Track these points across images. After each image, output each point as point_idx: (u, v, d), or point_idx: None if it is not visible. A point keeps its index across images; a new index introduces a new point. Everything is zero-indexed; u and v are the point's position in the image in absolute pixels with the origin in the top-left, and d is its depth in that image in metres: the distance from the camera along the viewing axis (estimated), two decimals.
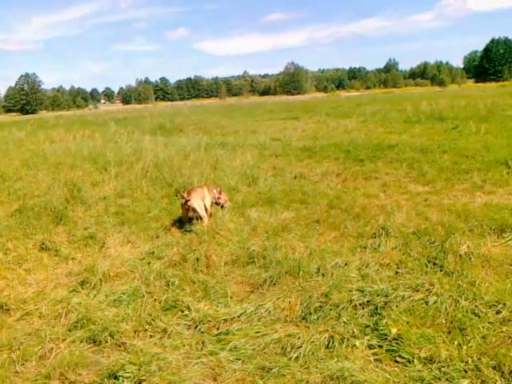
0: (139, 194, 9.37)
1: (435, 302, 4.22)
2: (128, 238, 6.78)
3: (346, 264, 5.22)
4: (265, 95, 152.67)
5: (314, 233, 6.52)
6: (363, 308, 4.25)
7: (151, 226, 7.37)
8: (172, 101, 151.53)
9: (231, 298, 4.73)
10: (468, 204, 7.55)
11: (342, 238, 6.26)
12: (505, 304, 4.11)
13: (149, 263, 5.72)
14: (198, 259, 5.64)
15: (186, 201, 6.99)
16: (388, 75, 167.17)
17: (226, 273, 5.37)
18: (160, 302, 4.68)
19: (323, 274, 5.03)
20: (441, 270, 4.96)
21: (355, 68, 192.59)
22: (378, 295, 4.39)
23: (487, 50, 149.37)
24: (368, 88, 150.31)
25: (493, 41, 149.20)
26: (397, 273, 5.02)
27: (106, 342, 4.02)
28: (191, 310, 4.46)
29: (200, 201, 7.07)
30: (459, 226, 6.30)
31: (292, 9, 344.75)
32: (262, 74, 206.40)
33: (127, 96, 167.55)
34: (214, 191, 7.66)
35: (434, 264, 5.14)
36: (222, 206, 7.67)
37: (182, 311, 4.50)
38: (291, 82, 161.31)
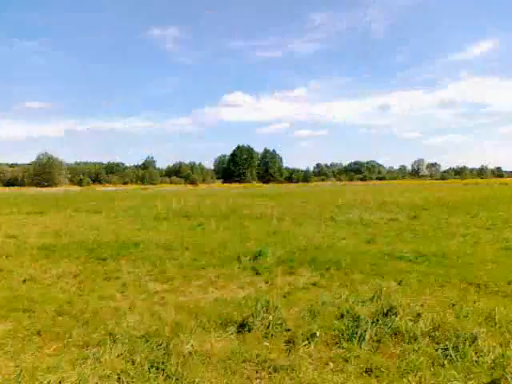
0: None
1: None
2: None
3: (59, 382, 4.66)
4: (11, 186, 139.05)
5: (31, 347, 5.74)
6: None
7: None
8: None
9: None
10: (200, 300, 7.85)
11: (64, 350, 5.65)
12: None
13: None
14: None
15: None
16: (145, 172, 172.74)
17: None
18: None
19: None
20: (163, 374, 4.86)
21: (113, 163, 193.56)
22: None
23: (234, 154, 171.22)
24: (125, 183, 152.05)
25: (238, 147, 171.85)
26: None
27: None
28: None
29: None
30: (189, 324, 6.43)
31: (51, 99, 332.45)
32: (10, 163, 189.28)
33: None
34: None
35: (157, 368, 5.01)
36: None
37: None
38: (43, 173, 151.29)
